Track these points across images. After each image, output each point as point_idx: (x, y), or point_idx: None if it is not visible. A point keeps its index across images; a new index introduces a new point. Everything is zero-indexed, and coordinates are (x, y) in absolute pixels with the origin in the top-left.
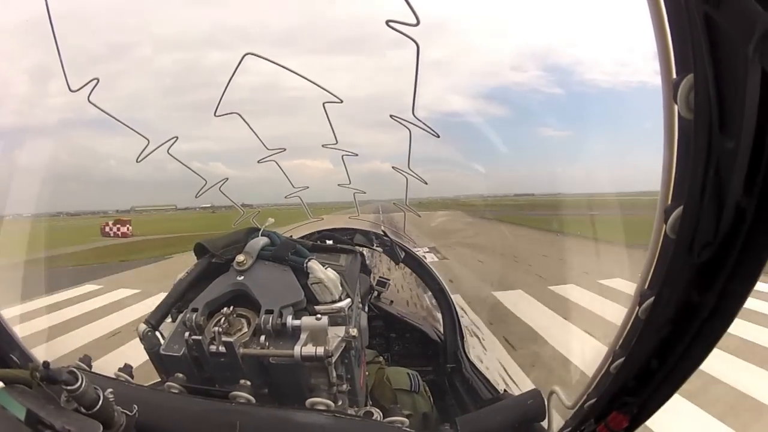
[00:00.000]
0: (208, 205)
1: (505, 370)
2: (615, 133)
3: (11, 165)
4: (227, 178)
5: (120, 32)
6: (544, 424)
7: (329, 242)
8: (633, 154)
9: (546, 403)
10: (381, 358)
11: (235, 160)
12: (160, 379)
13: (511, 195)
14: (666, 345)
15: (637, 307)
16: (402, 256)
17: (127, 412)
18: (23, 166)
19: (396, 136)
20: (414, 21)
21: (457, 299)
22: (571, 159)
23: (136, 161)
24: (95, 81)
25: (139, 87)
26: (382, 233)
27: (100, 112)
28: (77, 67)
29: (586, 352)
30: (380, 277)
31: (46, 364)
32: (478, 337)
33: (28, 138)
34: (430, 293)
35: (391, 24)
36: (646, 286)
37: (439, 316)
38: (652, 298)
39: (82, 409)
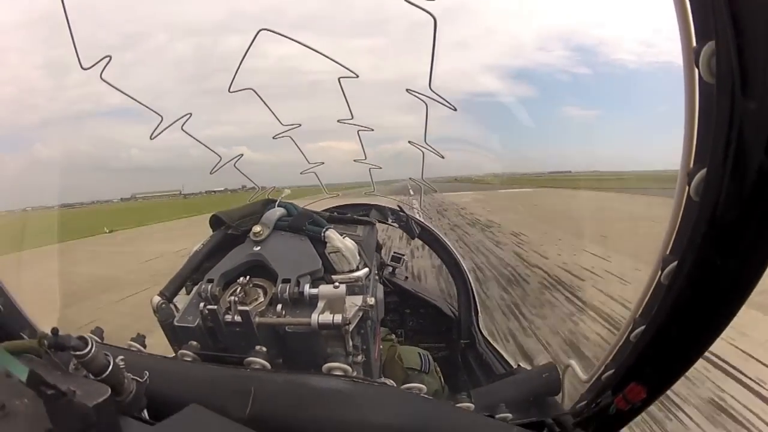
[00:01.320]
0: (221, 189)
1: None
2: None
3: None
4: (242, 155)
5: (133, 21)
6: (559, 398)
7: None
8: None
9: (561, 376)
10: (393, 336)
11: (260, 144)
12: (173, 354)
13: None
14: (687, 312)
15: (660, 273)
16: (418, 231)
17: (138, 379)
18: (29, 161)
19: (420, 117)
20: None
21: None
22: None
23: (150, 138)
24: (107, 58)
25: (157, 75)
26: (397, 208)
27: (113, 103)
28: (93, 59)
29: None
30: (395, 252)
31: (54, 330)
32: None
33: (33, 133)
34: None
35: None
36: (668, 252)
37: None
38: (674, 263)
39: (91, 376)
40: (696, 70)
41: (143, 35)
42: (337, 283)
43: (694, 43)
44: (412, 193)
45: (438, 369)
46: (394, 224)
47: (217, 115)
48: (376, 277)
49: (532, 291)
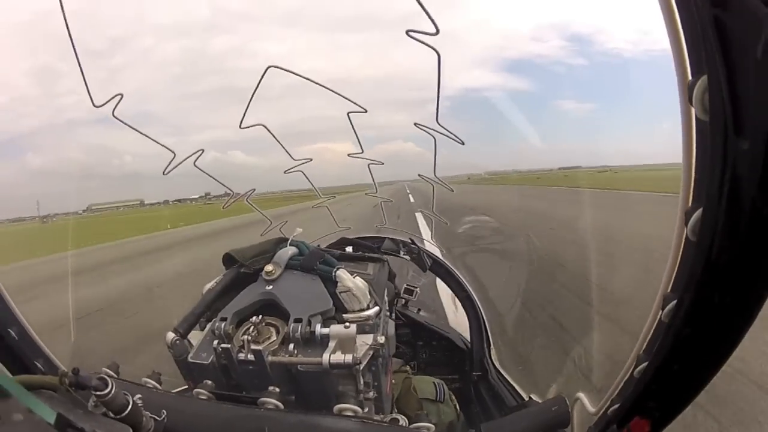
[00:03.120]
0: (197, 196)
1: None
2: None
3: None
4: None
5: (118, 25)
6: (569, 430)
7: (351, 249)
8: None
9: (570, 409)
10: (407, 367)
11: (253, 149)
12: (186, 386)
13: (556, 168)
14: (688, 349)
15: (660, 311)
16: (429, 264)
17: (156, 417)
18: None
19: (416, 115)
20: (434, 30)
21: None
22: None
23: (163, 174)
24: (119, 96)
25: (146, 79)
26: (409, 241)
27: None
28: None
29: None
30: (407, 284)
31: (75, 370)
32: None
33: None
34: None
35: (410, 34)
36: (668, 290)
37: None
38: (674, 301)
39: (111, 414)
40: (691, 108)
41: (130, 37)
42: (347, 323)
43: (690, 77)
44: (409, 192)
45: (453, 397)
46: (406, 257)
47: (208, 118)
48: (387, 313)
49: None
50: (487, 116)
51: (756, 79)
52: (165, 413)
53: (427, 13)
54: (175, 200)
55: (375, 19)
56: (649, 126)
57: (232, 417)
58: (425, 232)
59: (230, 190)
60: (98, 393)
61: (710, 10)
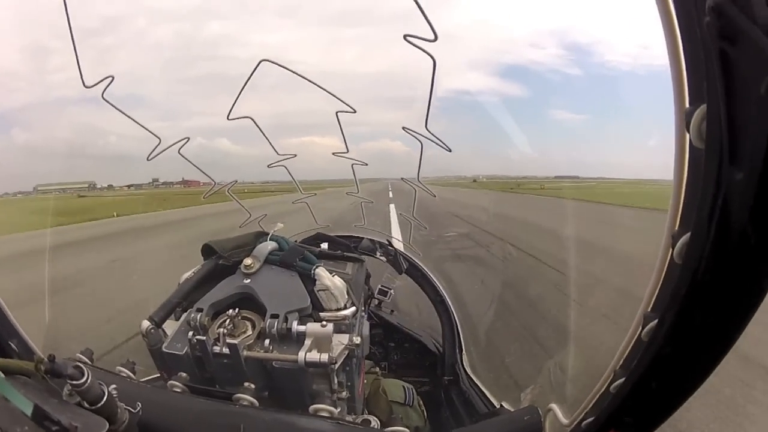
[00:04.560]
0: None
1: None
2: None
3: None
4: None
5: (110, 3)
6: None
7: (326, 245)
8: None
9: (542, 420)
10: (377, 369)
11: (240, 137)
12: (159, 375)
13: (552, 177)
14: (666, 367)
15: (640, 329)
16: (405, 266)
17: (131, 409)
18: None
19: (406, 114)
20: (432, 36)
21: None
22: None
23: (147, 159)
24: (110, 78)
25: (137, 63)
26: (386, 243)
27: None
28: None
29: None
30: (382, 285)
31: (51, 357)
32: None
33: None
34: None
35: (408, 39)
36: (649, 309)
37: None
38: (655, 321)
39: (85, 404)
40: (687, 135)
41: (122, 17)
42: (324, 322)
43: (687, 105)
44: (391, 192)
45: (421, 403)
46: (382, 258)
47: (198, 104)
48: (363, 314)
49: None
50: (480, 120)
51: (757, 114)
52: (140, 405)
53: (428, 20)
54: (129, 185)
55: (371, 15)
56: (638, 142)
57: (207, 412)
58: (395, 225)
59: (212, 179)
60: (74, 382)
61: (717, 43)
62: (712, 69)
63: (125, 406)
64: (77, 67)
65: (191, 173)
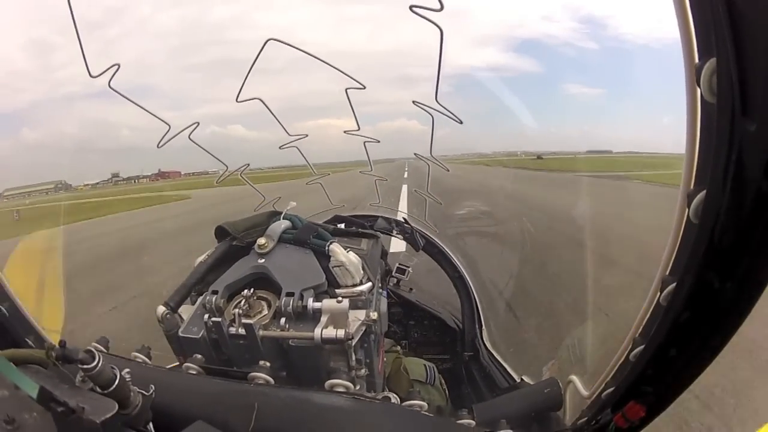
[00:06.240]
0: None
1: None
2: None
3: None
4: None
5: None
6: (561, 413)
7: (344, 226)
8: None
9: (563, 392)
10: (398, 348)
11: (254, 122)
12: (177, 363)
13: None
14: (686, 333)
15: (659, 294)
16: (422, 244)
17: (144, 392)
18: None
19: (420, 91)
20: (438, 6)
21: None
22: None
23: (158, 147)
24: (116, 67)
25: (144, 50)
26: (403, 220)
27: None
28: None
29: None
30: (399, 263)
31: (62, 343)
32: None
33: None
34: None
35: (414, 9)
36: (667, 272)
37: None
38: (673, 284)
39: (98, 389)
40: (698, 89)
41: (126, 6)
42: (340, 298)
43: (697, 60)
44: (406, 168)
45: (443, 381)
46: (399, 236)
47: (208, 91)
48: (380, 290)
49: None
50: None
51: (766, 62)
52: (153, 388)
53: None
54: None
55: None
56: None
57: (221, 392)
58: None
59: (224, 164)
60: (85, 366)
61: None
62: (720, 20)
63: (138, 390)
64: (82, 57)
65: (207, 160)
